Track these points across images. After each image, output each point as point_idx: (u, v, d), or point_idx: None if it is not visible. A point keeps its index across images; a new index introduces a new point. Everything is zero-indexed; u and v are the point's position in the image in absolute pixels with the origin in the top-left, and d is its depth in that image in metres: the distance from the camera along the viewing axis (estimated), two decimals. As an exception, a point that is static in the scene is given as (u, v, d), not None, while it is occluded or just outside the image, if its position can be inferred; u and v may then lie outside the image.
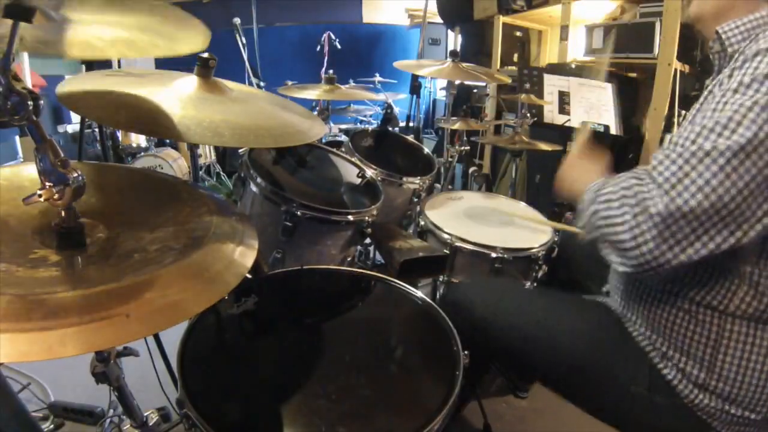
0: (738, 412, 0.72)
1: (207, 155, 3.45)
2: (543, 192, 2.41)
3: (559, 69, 2.34)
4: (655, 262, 0.64)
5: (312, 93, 1.67)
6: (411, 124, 3.46)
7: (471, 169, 2.34)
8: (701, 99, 0.73)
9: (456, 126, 1.98)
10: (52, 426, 1.31)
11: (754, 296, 0.68)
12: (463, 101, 3.17)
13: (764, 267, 0.68)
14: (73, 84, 0.75)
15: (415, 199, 1.63)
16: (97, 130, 2.40)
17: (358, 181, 1.46)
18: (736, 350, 0.71)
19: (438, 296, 1.40)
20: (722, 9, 0.75)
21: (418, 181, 1.61)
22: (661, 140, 1.89)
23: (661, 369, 0.78)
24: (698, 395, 0.74)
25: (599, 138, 2.17)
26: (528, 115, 1.81)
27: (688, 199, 0.60)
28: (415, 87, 2.63)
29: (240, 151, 1.27)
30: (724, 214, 0.60)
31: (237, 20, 3.87)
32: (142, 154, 3.04)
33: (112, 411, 1.29)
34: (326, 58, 4.44)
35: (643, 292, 0.82)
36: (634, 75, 2.36)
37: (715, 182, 0.60)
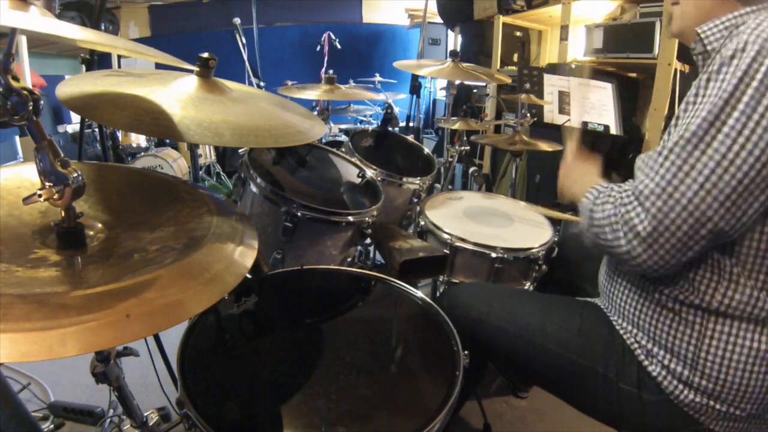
0: (723, 408, 0.73)
1: (207, 155, 3.45)
2: (543, 192, 2.41)
3: (559, 69, 2.34)
4: (650, 270, 0.69)
5: (312, 93, 1.67)
6: (411, 124, 3.45)
7: (471, 169, 2.34)
8: (682, 105, 0.73)
9: (456, 126, 1.98)
10: (52, 426, 1.31)
11: (735, 292, 0.69)
12: (463, 101, 3.17)
13: (742, 262, 0.69)
14: (73, 84, 0.75)
15: (415, 200, 1.63)
16: (97, 130, 2.39)
17: (358, 181, 1.46)
18: (719, 349, 0.72)
19: (437, 297, 1.40)
20: (700, 19, 0.76)
21: (418, 181, 1.60)
22: (661, 140, 1.88)
23: (646, 366, 0.79)
24: (683, 391, 0.75)
25: (594, 137, 2.18)
26: (528, 115, 1.81)
27: (674, 218, 0.64)
28: (415, 87, 2.63)
29: (240, 151, 1.27)
30: (710, 226, 0.63)
31: (237, 20, 3.88)
32: (142, 154, 3.05)
33: (112, 411, 1.29)
34: (326, 58, 4.44)
35: (626, 290, 0.83)
36: (634, 75, 2.36)
37: (697, 200, 0.62)
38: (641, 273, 0.72)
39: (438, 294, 1.51)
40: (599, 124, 2.10)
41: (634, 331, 0.82)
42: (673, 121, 0.74)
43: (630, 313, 0.82)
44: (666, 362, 0.77)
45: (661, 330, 0.77)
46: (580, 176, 0.94)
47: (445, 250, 1.28)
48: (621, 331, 0.84)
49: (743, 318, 0.70)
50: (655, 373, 0.78)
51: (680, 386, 0.75)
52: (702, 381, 0.73)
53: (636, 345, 0.81)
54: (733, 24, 0.70)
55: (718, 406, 0.73)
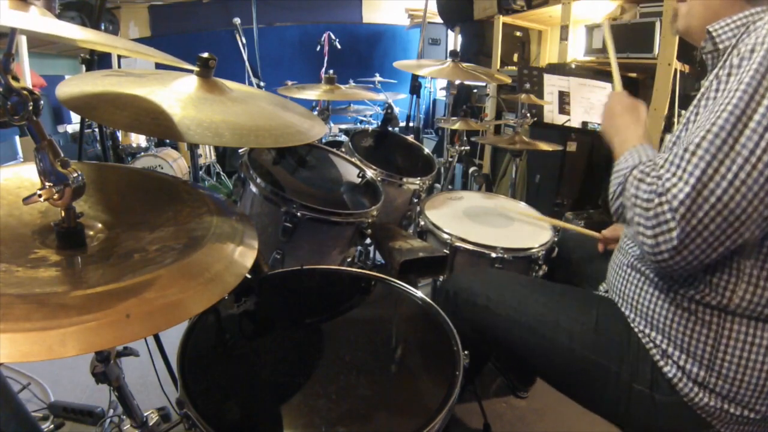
0: (737, 411, 0.73)
1: (207, 155, 3.45)
2: (543, 192, 2.41)
3: (559, 69, 2.34)
4: (669, 269, 0.67)
5: (312, 93, 1.67)
6: (411, 124, 3.46)
7: (471, 169, 2.35)
8: (695, 101, 0.73)
9: (456, 126, 1.98)
10: (52, 426, 1.31)
11: (754, 294, 0.68)
12: (463, 101, 3.17)
13: (763, 265, 0.68)
14: (73, 84, 0.75)
15: (415, 200, 1.63)
16: (97, 130, 2.40)
17: (358, 181, 1.46)
18: (736, 349, 0.71)
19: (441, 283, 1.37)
20: (708, 18, 0.76)
21: (418, 182, 1.61)
22: (661, 140, 1.89)
23: (662, 367, 0.78)
24: (698, 393, 0.74)
25: (594, 137, 2.18)
26: (528, 115, 1.81)
27: (702, 218, 0.62)
28: (415, 87, 2.63)
29: (240, 151, 1.27)
30: (737, 225, 0.61)
31: (237, 20, 3.88)
32: (142, 154, 3.05)
33: (112, 411, 1.29)
34: (326, 58, 4.44)
35: (640, 290, 0.82)
36: (634, 75, 2.36)
37: (726, 198, 0.60)
38: (656, 267, 0.70)
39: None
40: (599, 124, 2.10)
41: (649, 330, 0.80)
42: (690, 117, 0.73)
43: (645, 313, 0.81)
44: (682, 363, 0.75)
45: (677, 330, 0.76)
46: (622, 126, 0.88)
47: (445, 250, 1.28)
48: (636, 330, 0.83)
49: (760, 318, 0.69)
50: (670, 374, 0.77)
51: (695, 388, 0.74)
52: (718, 382, 0.73)
53: (651, 345, 0.80)
54: (748, 22, 0.70)
55: (732, 410, 0.73)
